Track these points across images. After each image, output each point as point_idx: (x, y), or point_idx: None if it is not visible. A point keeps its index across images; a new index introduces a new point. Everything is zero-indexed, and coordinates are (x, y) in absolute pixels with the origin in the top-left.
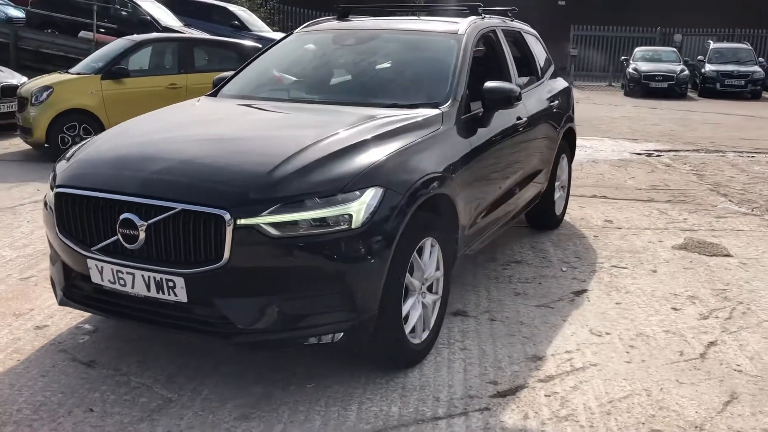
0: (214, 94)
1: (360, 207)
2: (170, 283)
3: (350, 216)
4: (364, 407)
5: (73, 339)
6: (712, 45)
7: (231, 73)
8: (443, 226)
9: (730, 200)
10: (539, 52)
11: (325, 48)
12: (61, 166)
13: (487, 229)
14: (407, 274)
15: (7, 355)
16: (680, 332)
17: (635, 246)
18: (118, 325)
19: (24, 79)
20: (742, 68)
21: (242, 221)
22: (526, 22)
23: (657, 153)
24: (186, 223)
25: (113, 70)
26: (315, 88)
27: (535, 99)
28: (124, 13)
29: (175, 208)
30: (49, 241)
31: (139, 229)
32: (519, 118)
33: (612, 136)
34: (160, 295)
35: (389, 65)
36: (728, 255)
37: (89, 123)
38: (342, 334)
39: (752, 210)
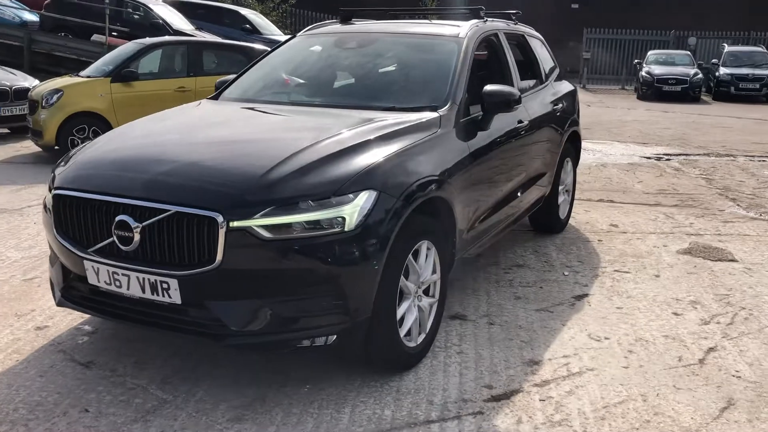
0: (216, 97)
1: (353, 210)
2: (164, 285)
3: (343, 219)
4: (358, 410)
5: (73, 340)
6: (727, 48)
7: (233, 76)
8: (440, 229)
9: (738, 204)
10: (543, 56)
11: (326, 51)
12: (60, 169)
13: (487, 233)
14: (402, 277)
15: (7, 355)
16: (680, 337)
17: (639, 250)
18: (117, 326)
19: (36, 82)
20: (757, 71)
21: (235, 223)
22: (539, 25)
23: (666, 157)
24: (180, 225)
25: (122, 73)
26: (314, 91)
27: (537, 102)
28: (136, 16)
29: (169, 210)
30: (49, 242)
31: (134, 230)
32: (520, 122)
33: (622, 139)
34: (155, 297)
35: (389, 68)
36: (733, 260)
37: (99, 125)
38: (335, 336)
39: (760, 215)
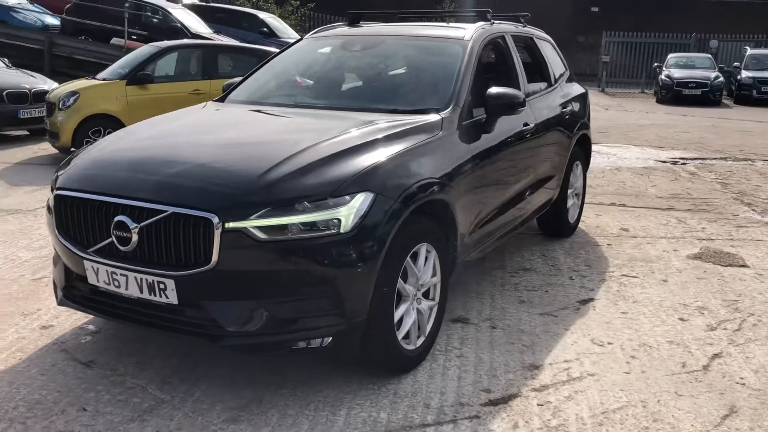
0: (222, 99)
1: (349, 212)
2: (161, 285)
3: (339, 221)
4: (353, 412)
5: (76, 339)
6: (749, 51)
7: (240, 78)
8: (440, 232)
9: (753, 209)
10: (552, 58)
11: (331, 54)
12: (63, 170)
13: (491, 236)
14: (400, 280)
15: (11, 354)
16: (685, 343)
17: (649, 255)
18: (119, 326)
19: (54, 84)
20: None
21: (230, 224)
22: (558, 28)
23: (683, 161)
24: (176, 226)
25: (138, 76)
26: (317, 94)
27: (545, 105)
28: (155, 20)
29: (166, 211)
30: (53, 243)
31: (132, 231)
32: (526, 124)
33: (638, 143)
34: (152, 297)
35: (392, 71)
36: (744, 265)
37: (114, 128)
38: (330, 338)
39: None
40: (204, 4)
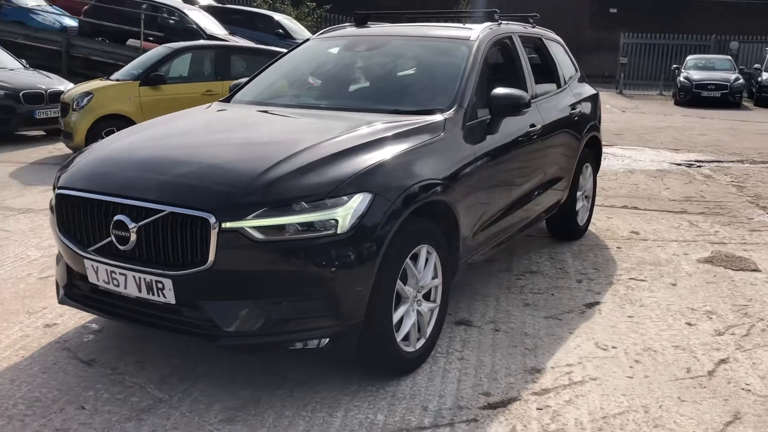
0: (228, 100)
1: (346, 212)
2: (159, 285)
3: (336, 221)
4: (350, 414)
5: (78, 338)
6: None
7: (246, 79)
8: (441, 233)
9: None
10: (562, 59)
11: (336, 54)
12: (65, 169)
13: (495, 238)
14: (399, 281)
15: (14, 351)
16: (691, 348)
17: (658, 258)
18: (122, 325)
19: (70, 85)
20: None
21: (227, 224)
22: (577, 30)
23: (698, 164)
24: (174, 226)
25: (151, 77)
26: (321, 94)
27: (553, 106)
28: (171, 21)
29: (163, 211)
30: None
31: (131, 230)
32: (532, 126)
33: (654, 145)
34: (150, 296)
35: (397, 72)
36: (756, 270)
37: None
38: (327, 339)
39: None
40: (220, 5)
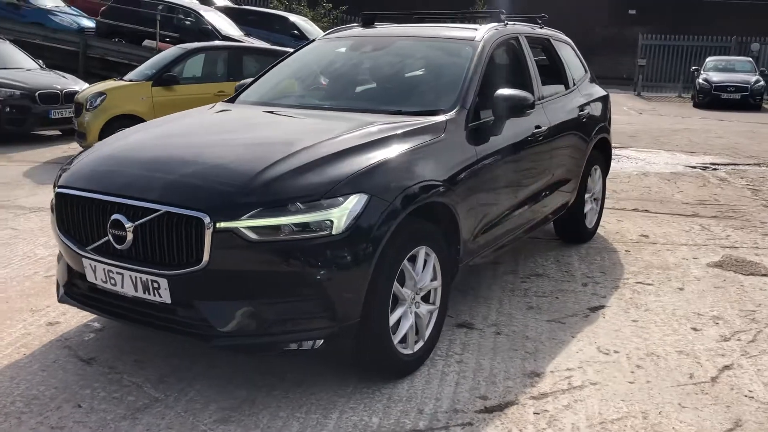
0: (232, 100)
1: (342, 213)
2: (155, 284)
3: (331, 222)
4: (345, 416)
5: (79, 336)
6: None
7: (251, 79)
8: (441, 235)
9: None
10: (571, 60)
11: (340, 55)
12: (65, 169)
13: (497, 241)
14: (396, 283)
15: (15, 349)
16: (695, 354)
17: (667, 262)
18: (123, 324)
19: (85, 85)
20: None
21: (221, 224)
22: (595, 32)
23: (713, 166)
24: (169, 226)
25: (163, 77)
26: (323, 95)
27: (560, 108)
28: (187, 22)
29: (159, 210)
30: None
31: (127, 230)
32: (538, 127)
33: (669, 148)
34: (146, 296)
35: (399, 72)
36: (767, 275)
37: None
38: (322, 341)
39: None
40: (236, 6)
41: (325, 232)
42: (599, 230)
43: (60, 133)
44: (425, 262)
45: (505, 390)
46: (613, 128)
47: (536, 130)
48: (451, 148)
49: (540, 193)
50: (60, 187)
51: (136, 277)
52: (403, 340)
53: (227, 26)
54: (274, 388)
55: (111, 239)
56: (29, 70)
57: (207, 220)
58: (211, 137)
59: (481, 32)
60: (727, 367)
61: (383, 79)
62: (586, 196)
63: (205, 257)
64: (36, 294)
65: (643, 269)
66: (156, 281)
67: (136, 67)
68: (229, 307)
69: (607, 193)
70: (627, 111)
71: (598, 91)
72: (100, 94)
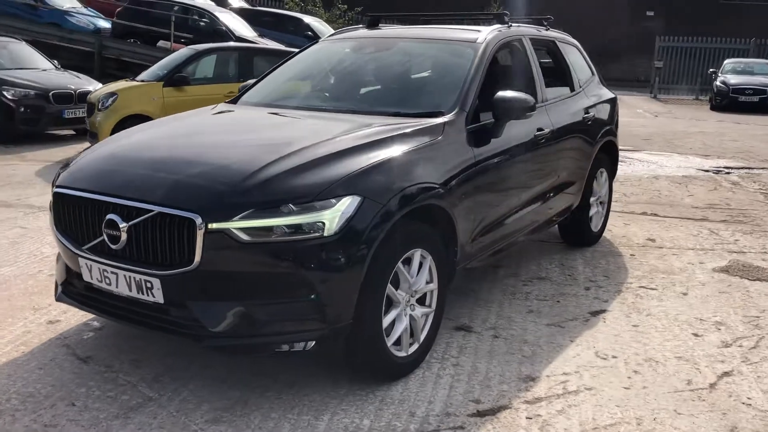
0: (234, 101)
1: (334, 215)
2: (148, 284)
3: (323, 224)
4: (336, 418)
5: (79, 335)
6: None
7: (254, 80)
8: (437, 238)
9: None
10: (577, 63)
11: (342, 57)
12: (64, 169)
13: (496, 244)
14: (390, 285)
15: (15, 347)
16: (694, 360)
17: (672, 267)
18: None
19: (99, 86)
20: None
21: (213, 225)
22: (613, 33)
23: (726, 170)
24: (162, 226)
25: (174, 78)
26: (325, 96)
27: (564, 110)
28: (202, 23)
29: (152, 211)
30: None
31: (121, 230)
32: (540, 130)
33: (682, 151)
34: (140, 296)
35: (400, 74)
36: None
37: None
38: (314, 342)
39: None
40: (251, 8)
41: (316, 234)
42: (605, 234)
43: (74, 132)
44: (421, 264)
45: (499, 394)
46: (627, 131)
47: (538, 133)
48: (448, 151)
49: (542, 196)
50: (58, 186)
51: (130, 277)
52: (398, 342)
53: (241, 27)
54: (268, 389)
55: (106, 239)
56: (44, 70)
57: (199, 220)
58: (208, 138)
59: (484, 34)
60: (726, 374)
61: (383, 81)
62: (592, 199)
63: (197, 258)
64: (39, 292)
65: (648, 273)
66: (149, 281)
67: (150, 67)
68: (220, 308)
69: (616, 196)
70: (642, 113)
71: (606, 93)
72: (112, 94)
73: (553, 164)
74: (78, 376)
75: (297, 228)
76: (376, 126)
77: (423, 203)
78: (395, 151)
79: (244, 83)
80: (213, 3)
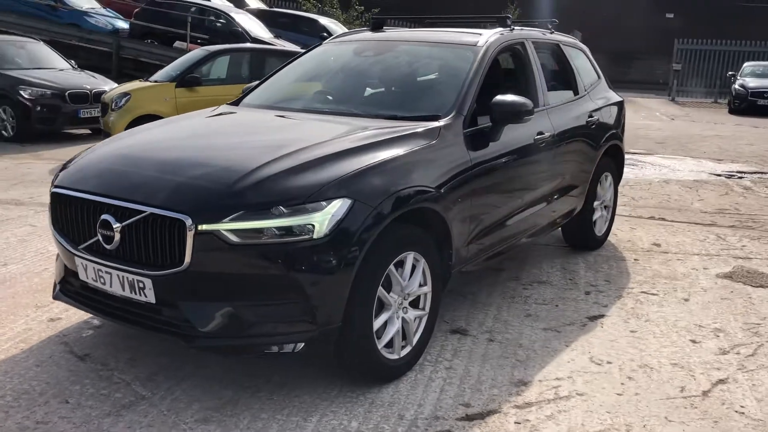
0: (236, 103)
1: (324, 218)
2: (140, 284)
3: (313, 226)
4: (325, 419)
5: (78, 333)
6: None
7: (257, 82)
8: (431, 241)
9: None
10: (582, 66)
11: (343, 59)
12: (63, 169)
13: (494, 247)
14: (381, 288)
15: (14, 344)
16: (690, 366)
17: (675, 272)
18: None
19: (115, 86)
20: None
21: (203, 227)
22: (632, 35)
23: (739, 175)
24: (154, 227)
25: (186, 79)
26: (324, 99)
27: (567, 114)
28: (218, 24)
29: (144, 212)
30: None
31: (115, 230)
32: (540, 133)
33: (696, 155)
34: (133, 295)
35: (399, 77)
36: None
37: None
38: (303, 344)
39: None
40: (268, 9)
41: (306, 236)
42: (611, 238)
43: (90, 132)
44: (414, 267)
45: (489, 398)
46: (642, 133)
47: (538, 137)
48: (443, 154)
49: (542, 200)
50: (56, 187)
51: (123, 277)
52: (390, 344)
53: (257, 28)
54: (260, 390)
55: (100, 239)
56: (61, 70)
57: (189, 222)
58: (203, 140)
59: (485, 37)
60: (721, 381)
61: (382, 84)
62: (596, 203)
63: (187, 258)
64: (43, 290)
65: (650, 279)
66: (141, 281)
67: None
68: (210, 308)
69: (624, 200)
70: (659, 117)
71: (612, 97)
72: (125, 94)
73: (554, 168)
74: (74, 374)
75: (287, 230)
76: (372, 129)
77: (416, 206)
78: (389, 154)
79: (248, 85)
80: (230, 4)
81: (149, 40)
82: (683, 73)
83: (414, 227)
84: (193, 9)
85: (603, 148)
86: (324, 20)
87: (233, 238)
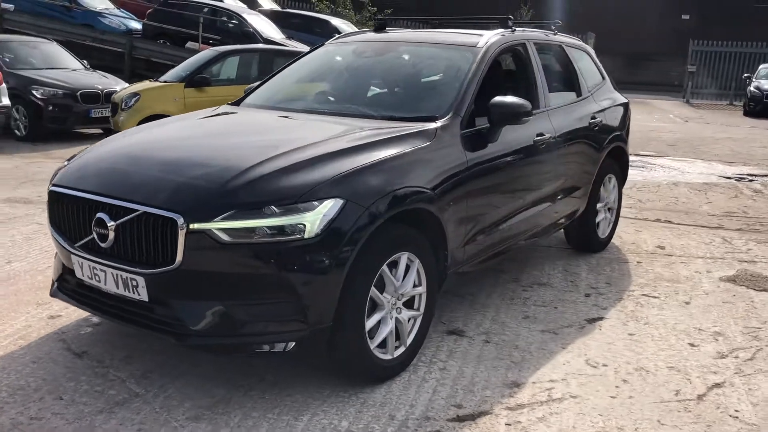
0: (237, 104)
1: (315, 217)
2: (133, 282)
3: (304, 226)
4: (315, 419)
5: (76, 330)
6: None
7: (259, 83)
8: (426, 242)
9: None
10: (586, 68)
11: (343, 60)
12: (63, 167)
13: (491, 249)
14: (374, 288)
15: (13, 341)
16: (686, 370)
17: (678, 275)
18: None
19: (126, 86)
20: None
21: (194, 226)
22: (647, 37)
23: (750, 177)
24: (147, 225)
25: (195, 79)
26: (324, 100)
27: (569, 115)
28: (230, 25)
29: (138, 210)
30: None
31: (109, 228)
32: (540, 135)
33: (707, 157)
34: (127, 293)
35: (398, 78)
36: None
37: None
38: (294, 343)
39: None
40: (280, 10)
41: (298, 236)
42: (615, 240)
43: (101, 131)
44: (408, 268)
45: (481, 399)
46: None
47: (538, 138)
48: (439, 155)
49: (543, 201)
50: (54, 185)
51: (117, 275)
52: (383, 345)
53: (269, 29)
54: (252, 388)
55: (95, 237)
56: (74, 70)
57: (180, 221)
58: (200, 140)
59: (485, 38)
60: (717, 385)
61: (381, 85)
62: (599, 205)
63: (179, 257)
64: (45, 288)
65: (652, 281)
66: (134, 279)
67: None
68: (201, 307)
69: (631, 202)
70: (672, 119)
71: (617, 98)
72: (135, 94)
73: (554, 169)
74: (70, 371)
75: (279, 229)
76: (368, 130)
77: (410, 207)
78: (383, 154)
79: (251, 85)
80: (243, 5)
81: (162, 41)
82: (698, 75)
83: (408, 228)
84: (205, 10)
85: (606, 149)
86: (336, 21)
87: (225, 237)
